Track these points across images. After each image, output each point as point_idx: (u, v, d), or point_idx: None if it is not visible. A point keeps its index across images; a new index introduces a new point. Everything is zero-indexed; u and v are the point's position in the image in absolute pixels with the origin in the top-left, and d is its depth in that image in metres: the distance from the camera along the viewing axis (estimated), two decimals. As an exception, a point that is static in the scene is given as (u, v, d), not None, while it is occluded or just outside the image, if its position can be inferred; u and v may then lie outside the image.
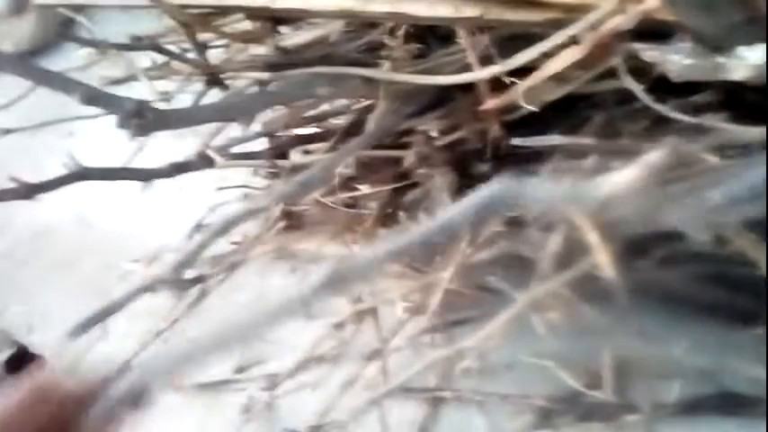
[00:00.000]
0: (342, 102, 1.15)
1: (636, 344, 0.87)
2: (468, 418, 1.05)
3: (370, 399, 0.96)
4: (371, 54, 1.01)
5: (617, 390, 0.98)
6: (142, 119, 0.70)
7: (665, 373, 0.98)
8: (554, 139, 0.88)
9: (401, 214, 1.13)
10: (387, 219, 1.15)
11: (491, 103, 0.97)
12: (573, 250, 0.86)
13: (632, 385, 0.97)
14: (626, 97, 0.89)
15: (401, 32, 0.95)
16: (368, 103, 1.11)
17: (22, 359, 1.36)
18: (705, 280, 1.03)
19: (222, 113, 0.97)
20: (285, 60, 1.01)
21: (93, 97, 0.70)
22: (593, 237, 0.80)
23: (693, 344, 0.94)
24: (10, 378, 1.32)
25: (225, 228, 0.96)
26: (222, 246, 1.38)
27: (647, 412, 0.91)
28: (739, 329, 0.98)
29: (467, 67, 0.92)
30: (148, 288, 1.03)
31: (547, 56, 0.77)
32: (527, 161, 0.95)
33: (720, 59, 0.58)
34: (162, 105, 1.19)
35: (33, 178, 0.96)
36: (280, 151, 1.19)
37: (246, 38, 1.03)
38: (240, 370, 1.16)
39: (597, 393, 0.98)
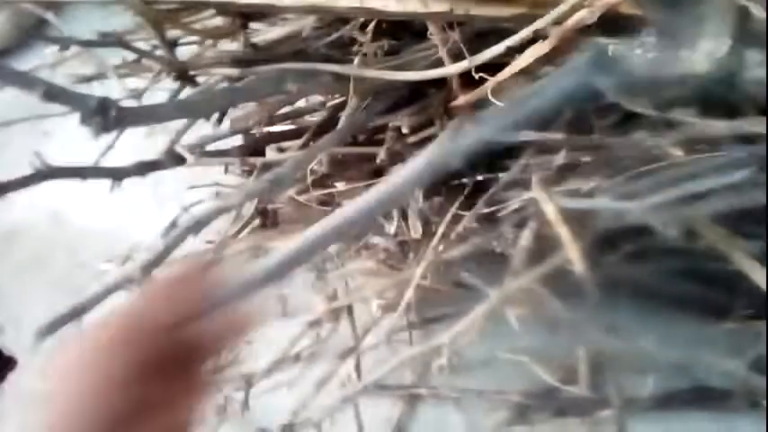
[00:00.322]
0: (314, 98, 1.15)
1: (608, 338, 0.87)
2: (444, 415, 1.05)
3: (345, 396, 0.95)
4: (342, 50, 1.01)
5: (591, 385, 0.98)
6: (105, 116, 0.69)
7: (638, 368, 0.98)
8: (526, 135, 0.88)
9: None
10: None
11: (462, 98, 0.97)
12: (545, 246, 0.86)
13: (606, 380, 0.97)
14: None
15: (371, 28, 0.94)
16: (340, 99, 1.10)
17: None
18: (676, 275, 1.04)
19: (190, 110, 0.96)
20: (255, 57, 1.00)
21: (55, 94, 0.68)
22: (564, 232, 0.80)
23: (665, 338, 0.94)
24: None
25: (197, 226, 0.96)
26: (197, 245, 1.37)
27: (621, 407, 0.91)
28: (711, 324, 0.98)
29: (438, 63, 0.92)
30: (120, 287, 1.02)
31: (515, 51, 0.77)
32: (498, 157, 0.95)
33: (684, 53, 0.58)
34: (132, 102, 1.18)
35: (4, 178, 0.95)
36: (252, 149, 1.18)
37: (216, 34, 1.02)
38: (215, 370, 1.15)
39: (572, 389, 0.99)
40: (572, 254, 0.79)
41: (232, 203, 1.04)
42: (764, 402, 0.91)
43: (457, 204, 0.92)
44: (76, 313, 1.02)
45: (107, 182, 1.35)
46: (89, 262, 1.43)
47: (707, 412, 0.98)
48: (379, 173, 1.18)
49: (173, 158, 1.07)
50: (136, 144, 1.20)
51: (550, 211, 0.78)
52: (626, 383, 0.95)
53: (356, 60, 0.93)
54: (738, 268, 0.83)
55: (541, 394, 1.01)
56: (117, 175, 1.10)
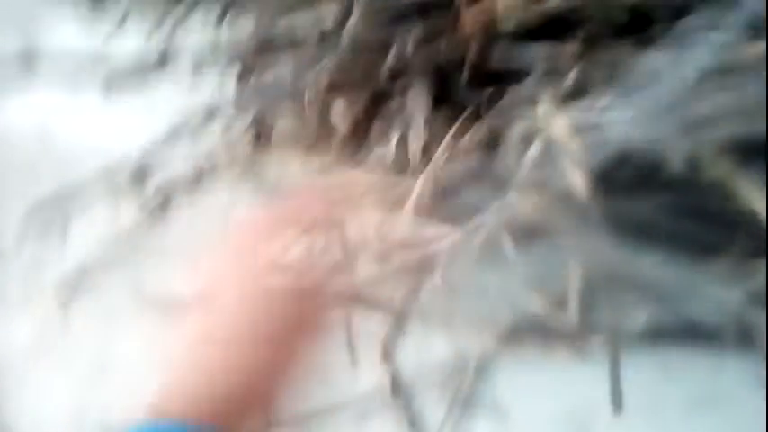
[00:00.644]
0: (317, 9, 1.11)
1: (603, 262, 0.86)
2: (430, 337, 1.04)
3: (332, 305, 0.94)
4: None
5: (582, 314, 0.97)
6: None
7: (629, 301, 0.98)
8: (536, 50, 0.85)
9: (375, 130, 1.10)
10: (360, 134, 1.12)
11: (470, 15, 0.94)
12: (547, 167, 0.84)
13: (598, 310, 0.96)
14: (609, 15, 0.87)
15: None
16: (343, 11, 1.07)
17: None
18: (676, 210, 1.03)
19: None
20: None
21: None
22: (571, 153, 0.78)
23: (661, 267, 0.93)
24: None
25: (188, 128, 0.93)
26: (188, 164, 1.35)
27: (614, 335, 0.90)
28: (708, 260, 0.97)
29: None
30: (108, 192, 1.00)
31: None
32: (507, 77, 0.92)
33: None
34: None
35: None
36: (251, 60, 1.15)
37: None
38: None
39: (562, 317, 0.98)
40: (576, 175, 0.77)
41: (228, 113, 1.01)
42: (757, 340, 0.91)
43: (459, 121, 0.90)
44: (60, 216, 1.01)
45: (98, 97, 1.32)
46: (76, 176, 1.40)
47: (697, 349, 0.98)
48: (380, 94, 1.15)
49: (167, 60, 1.04)
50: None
51: (561, 126, 0.76)
52: (617, 316, 0.95)
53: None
54: (739, 202, 0.82)
55: (530, 322, 1.00)
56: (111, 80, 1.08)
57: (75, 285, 1.21)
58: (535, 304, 0.96)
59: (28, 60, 1.50)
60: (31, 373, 1.13)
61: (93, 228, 1.29)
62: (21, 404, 1.10)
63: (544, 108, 0.78)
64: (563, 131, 0.74)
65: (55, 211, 1.12)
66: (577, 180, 0.82)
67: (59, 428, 1.06)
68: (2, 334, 1.21)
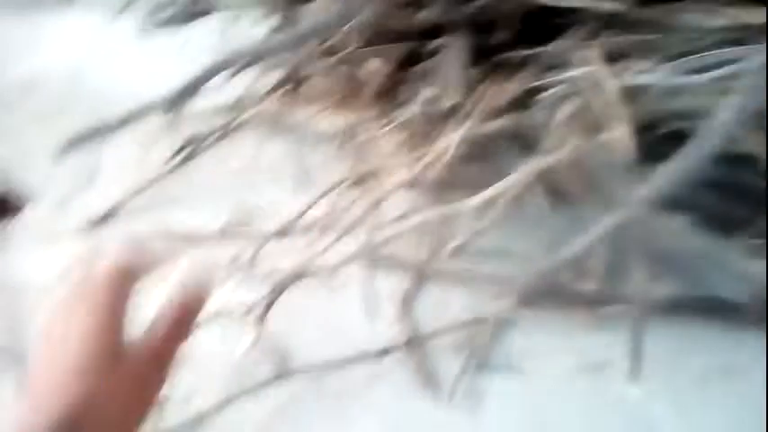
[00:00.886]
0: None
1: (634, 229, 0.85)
2: (448, 296, 1.05)
3: (350, 258, 0.94)
4: None
5: (604, 281, 0.97)
6: None
7: (652, 272, 0.97)
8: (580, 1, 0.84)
9: (404, 87, 1.10)
10: (390, 90, 1.12)
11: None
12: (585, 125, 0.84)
13: (621, 278, 0.96)
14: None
15: None
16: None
17: (6, 202, 1.34)
18: (706, 181, 1.02)
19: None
20: None
21: None
22: (616, 108, 0.77)
23: (687, 239, 0.93)
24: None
25: (223, 66, 0.93)
26: (217, 110, 1.35)
27: (635, 304, 0.90)
28: (732, 235, 0.97)
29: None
30: (141, 115, 1.00)
31: None
32: (547, 32, 0.91)
33: None
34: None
35: None
36: (286, 10, 1.14)
37: None
38: (227, 228, 1.14)
39: (584, 283, 0.98)
40: (621, 132, 0.76)
41: (258, 57, 1.01)
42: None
43: (496, 77, 0.89)
44: (94, 135, 1.01)
45: (130, 39, 1.31)
46: (108, 120, 1.41)
47: (717, 322, 0.98)
48: (413, 55, 1.14)
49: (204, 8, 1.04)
50: None
51: (611, 85, 0.75)
52: (641, 283, 0.94)
53: None
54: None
55: (551, 284, 1.00)
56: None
57: (103, 224, 1.23)
58: (557, 268, 0.96)
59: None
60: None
61: (122, 169, 1.30)
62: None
63: (591, 68, 0.77)
64: (611, 93, 0.73)
65: (84, 152, 1.12)
66: (621, 141, 0.81)
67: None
68: (32, 267, 1.22)
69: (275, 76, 1.22)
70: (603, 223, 0.86)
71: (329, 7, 1.06)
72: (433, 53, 1.04)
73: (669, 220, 0.93)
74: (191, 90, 0.94)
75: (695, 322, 0.99)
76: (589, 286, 0.96)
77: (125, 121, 0.95)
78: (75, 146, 0.95)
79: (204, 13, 1.11)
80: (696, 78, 0.76)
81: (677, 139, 0.79)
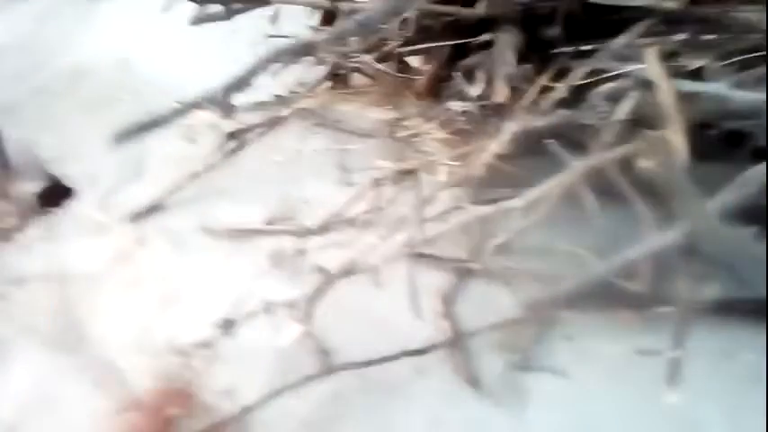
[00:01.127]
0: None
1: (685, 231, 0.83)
2: (492, 293, 1.04)
3: (396, 257, 0.93)
4: None
5: (651, 283, 0.95)
6: None
7: (701, 274, 0.95)
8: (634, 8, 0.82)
9: (453, 83, 1.08)
10: (436, 86, 1.11)
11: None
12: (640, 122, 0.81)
13: (669, 281, 0.94)
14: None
15: None
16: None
17: (54, 191, 1.36)
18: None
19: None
20: None
21: None
22: (672, 109, 0.75)
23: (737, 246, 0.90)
24: (43, 210, 1.33)
25: (277, 57, 0.92)
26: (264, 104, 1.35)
27: (683, 306, 0.88)
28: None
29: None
30: (188, 110, 1.00)
31: None
32: (599, 27, 0.89)
33: None
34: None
35: None
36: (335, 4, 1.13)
37: None
38: (271, 221, 1.15)
39: (630, 284, 0.96)
40: (676, 133, 0.75)
41: (312, 44, 1.00)
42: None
43: (548, 73, 0.88)
44: (145, 128, 1.02)
45: (178, 29, 1.32)
46: (154, 107, 1.42)
47: (764, 325, 0.95)
48: (461, 51, 1.12)
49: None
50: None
51: (666, 87, 0.73)
52: (689, 287, 0.92)
53: None
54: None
55: (597, 285, 0.98)
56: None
57: (148, 215, 1.24)
58: (604, 268, 0.94)
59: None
60: (103, 296, 1.17)
61: (168, 161, 1.31)
62: (92, 320, 1.14)
63: (650, 68, 0.75)
64: (668, 94, 0.71)
65: (132, 143, 1.14)
66: (677, 142, 0.78)
67: (124, 344, 1.10)
68: (79, 256, 1.25)
69: (321, 70, 1.22)
70: (670, 234, 0.83)
71: (376, 2, 1.05)
72: (482, 48, 1.03)
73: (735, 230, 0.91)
74: (238, 84, 0.94)
75: (742, 324, 0.97)
76: (636, 287, 0.94)
77: (173, 117, 0.95)
78: (123, 139, 0.95)
79: (253, 5, 1.11)
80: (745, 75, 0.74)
81: (732, 139, 0.77)
